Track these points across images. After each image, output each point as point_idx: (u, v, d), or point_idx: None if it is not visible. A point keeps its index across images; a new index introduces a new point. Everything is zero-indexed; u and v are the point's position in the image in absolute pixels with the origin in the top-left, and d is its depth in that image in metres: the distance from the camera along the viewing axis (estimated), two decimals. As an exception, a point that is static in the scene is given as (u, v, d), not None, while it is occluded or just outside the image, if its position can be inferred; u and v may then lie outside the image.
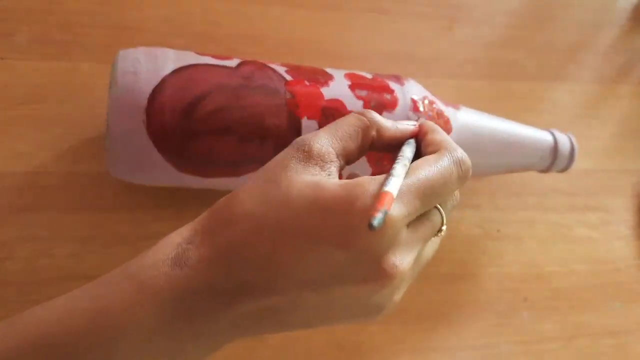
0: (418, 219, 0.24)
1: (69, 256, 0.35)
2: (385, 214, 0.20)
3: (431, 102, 0.36)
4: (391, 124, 0.26)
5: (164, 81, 0.31)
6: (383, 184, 0.21)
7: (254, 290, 0.22)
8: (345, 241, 0.21)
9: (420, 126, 0.27)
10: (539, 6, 0.53)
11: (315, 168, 0.23)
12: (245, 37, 0.43)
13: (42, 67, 0.38)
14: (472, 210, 0.44)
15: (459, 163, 0.25)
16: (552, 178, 0.46)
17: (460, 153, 0.25)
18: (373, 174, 0.35)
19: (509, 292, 0.43)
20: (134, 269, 0.22)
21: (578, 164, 0.41)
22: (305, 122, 0.33)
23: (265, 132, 0.32)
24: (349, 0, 0.47)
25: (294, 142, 0.24)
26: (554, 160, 0.40)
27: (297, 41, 0.44)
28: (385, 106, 0.34)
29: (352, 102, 0.34)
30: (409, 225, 0.23)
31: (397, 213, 0.22)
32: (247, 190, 0.23)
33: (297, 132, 0.33)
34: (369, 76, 0.36)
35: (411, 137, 0.27)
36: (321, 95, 0.34)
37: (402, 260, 0.22)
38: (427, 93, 0.37)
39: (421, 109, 0.35)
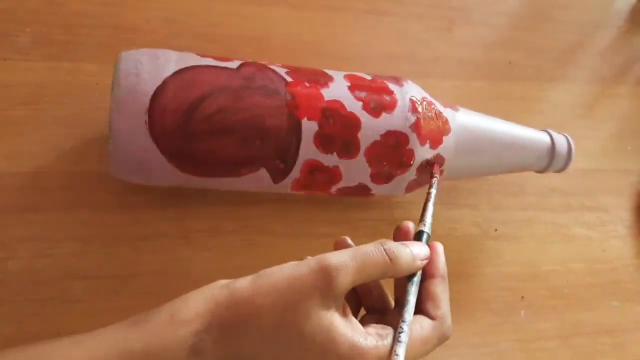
0: None
1: (70, 256, 0.35)
2: None
3: (430, 103, 0.37)
4: (407, 264, 0.28)
5: (165, 82, 0.31)
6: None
7: None
8: None
9: (431, 250, 0.30)
10: (537, 7, 0.54)
11: (333, 305, 0.25)
12: (246, 38, 0.43)
13: (44, 68, 0.38)
14: (470, 209, 0.45)
15: (442, 339, 0.27)
16: (549, 178, 0.46)
17: (448, 328, 0.28)
18: (372, 175, 0.35)
19: (507, 291, 0.43)
20: (154, 351, 0.24)
21: (575, 164, 0.41)
22: (305, 123, 0.33)
23: (266, 133, 0.32)
24: (349, 1, 0.47)
25: (323, 266, 0.25)
26: (552, 161, 0.40)
27: (297, 42, 0.44)
28: (384, 107, 0.35)
29: (351, 103, 0.34)
30: None
31: None
32: (267, 304, 0.24)
33: (298, 132, 0.33)
34: (368, 77, 0.37)
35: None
36: (321, 96, 0.34)
37: None
38: (426, 94, 0.37)
39: (420, 109, 0.35)
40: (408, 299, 0.27)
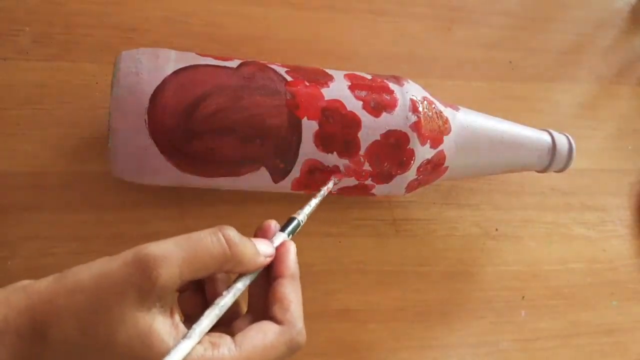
0: None
1: (71, 255, 0.35)
2: None
3: (430, 103, 0.37)
4: (249, 259, 0.24)
5: (165, 82, 0.31)
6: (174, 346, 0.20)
7: None
8: None
9: (281, 249, 0.26)
10: (537, 7, 0.54)
11: (154, 302, 0.21)
12: (246, 37, 0.43)
13: (44, 68, 0.38)
14: (470, 209, 0.45)
15: (292, 346, 0.23)
16: (549, 178, 0.46)
17: (298, 333, 0.24)
18: (372, 175, 0.35)
19: (507, 290, 0.43)
20: None
21: (576, 163, 0.41)
22: (305, 122, 0.33)
23: (266, 132, 0.32)
24: (349, 1, 0.47)
25: (139, 259, 0.21)
26: (552, 160, 0.40)
27: (297, 42, 0.44)
28: (384, 106, 0.35)
29: (351, 102, 0.34)
30: None
31: None
32: (69, 307, 0.20)
33: (298, 132, 0.33)
34: (368, 77, 0.37)
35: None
36: (321, 95, 0.34)
37: None
38: (426, 93, 0.37)
39: (420, 109, 0.35)
40: (222, 296, 0.23)
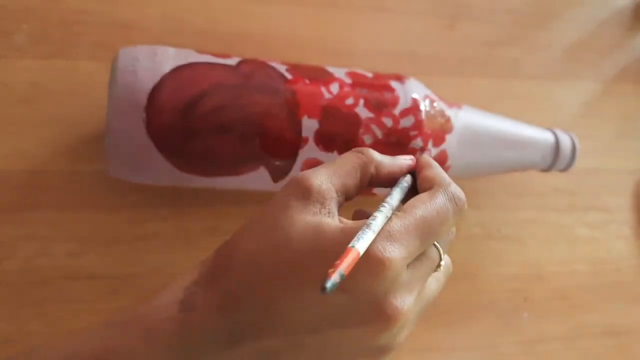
0: (417, 258, 0.24)
1: (68, 255, 0.35)
2: (343, 277, 0.19)
3: (432, 101, 0.36)
4: (389, 160, 0.27)
5: (163, 80, 0.31)
6: (356, 237, 0.21)
7: (255, 333, 0.22)
8: (345, 285, 0.21)
9: (417, 160, 0.28)
10: (541, 4, 0.53)
11: (316, 205, 0.23)
12: (246, 35, 0.43)
13: (41, 66, 0.38)
14: (472, 210, 0.44)
15: (453, 199, 0.25)
16: (553, 177, 0.46)
17: (454, 188, 0.25)
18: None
19: (510, 292, 0.43)
20: (144, 311, 0.23)
21: (580, 163, 0.40)
22: (305, 121, 0.33)
23: (265, 131, 0.32)
24: (350, -2, 0.46)
25: (293, 179, 0.24)
26: (556, 160, 0.40)
27: (297, 39, 0.44)
28: (386, 105, 0.34)
29: (352, 101, 0.34)
30: (408, 265, 0.23)
31: (397, 255, 0.22)
32: (247, 234, 0.24)
33: (298, 131, 0.33)
34: (369, 75, 0.36)
35: (408, 172, 0.27)
36: (322, 94, 0.33)
37: (404, 301, 0.23)
38: (428, 92, 0.37)
39: (422, 107, 0.35)
40: (390, 195, 0.25)
